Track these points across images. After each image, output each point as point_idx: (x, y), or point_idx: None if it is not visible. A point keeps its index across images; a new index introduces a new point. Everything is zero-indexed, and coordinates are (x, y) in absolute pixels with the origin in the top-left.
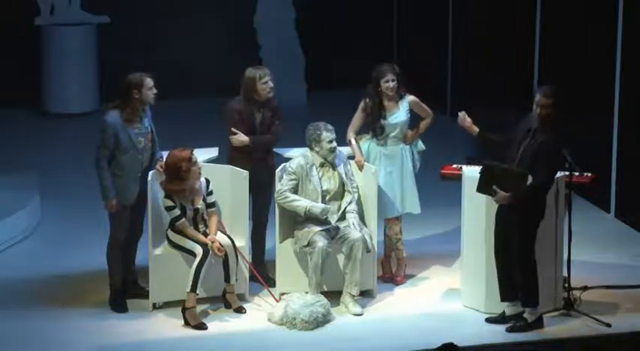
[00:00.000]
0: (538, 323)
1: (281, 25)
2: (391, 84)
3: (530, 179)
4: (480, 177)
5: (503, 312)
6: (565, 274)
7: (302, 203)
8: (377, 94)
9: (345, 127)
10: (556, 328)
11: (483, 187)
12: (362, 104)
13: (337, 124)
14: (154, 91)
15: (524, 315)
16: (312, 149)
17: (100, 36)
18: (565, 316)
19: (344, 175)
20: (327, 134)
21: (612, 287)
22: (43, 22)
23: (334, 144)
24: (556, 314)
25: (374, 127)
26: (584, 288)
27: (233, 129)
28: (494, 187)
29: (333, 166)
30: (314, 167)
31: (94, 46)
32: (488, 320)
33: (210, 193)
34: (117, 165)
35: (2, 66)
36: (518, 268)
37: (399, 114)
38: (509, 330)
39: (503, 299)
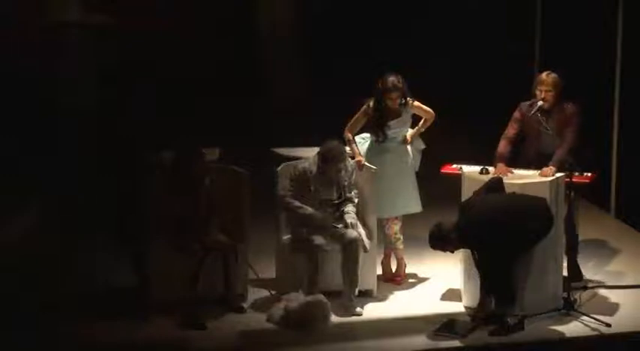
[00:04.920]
0: (519, 326)
1: (281, 25)
2: (396, 102)
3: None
4: None
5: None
6: (565, 273)
7: (302, 211)
8: (382, 103)
9: (346, 127)
10: (556, 328)
11: None
12: (364, 107)
13: (337, 125)
14: None
15: (506, 319)
16: (318, 160)
17: (100, 36)
18: (565, 316)
19: (344, 181)
20: (340, 165)
21: (612, 287)
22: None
23: (342, 173)
24: (556, 314)
25: (376, 133)
26: (584, 288)
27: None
28: None
29: None
30: (315, 173)
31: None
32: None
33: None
34: None
35: None
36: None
37: (401, 120)
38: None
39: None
